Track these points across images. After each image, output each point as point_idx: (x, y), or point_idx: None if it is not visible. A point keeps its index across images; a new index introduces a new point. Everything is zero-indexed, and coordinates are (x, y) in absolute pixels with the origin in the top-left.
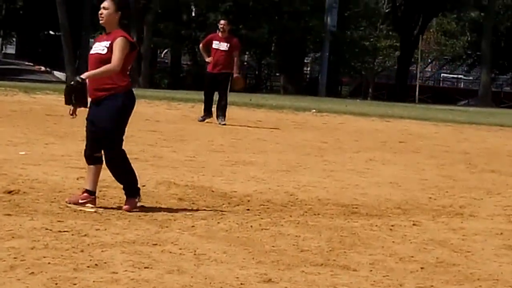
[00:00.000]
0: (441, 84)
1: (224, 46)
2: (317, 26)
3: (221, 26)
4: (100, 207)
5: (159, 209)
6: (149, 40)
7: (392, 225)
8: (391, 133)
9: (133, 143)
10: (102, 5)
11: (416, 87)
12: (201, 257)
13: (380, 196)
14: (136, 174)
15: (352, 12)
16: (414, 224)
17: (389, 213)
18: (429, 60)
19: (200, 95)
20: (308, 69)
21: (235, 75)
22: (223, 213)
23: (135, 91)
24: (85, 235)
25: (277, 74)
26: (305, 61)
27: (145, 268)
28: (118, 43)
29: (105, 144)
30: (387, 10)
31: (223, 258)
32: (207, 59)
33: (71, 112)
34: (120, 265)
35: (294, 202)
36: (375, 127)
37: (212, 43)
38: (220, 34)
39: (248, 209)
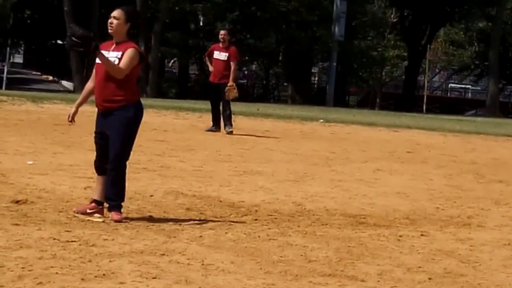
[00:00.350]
0: (448, 94)
1: (223, 56)
2: (325, 35)
3: (221, 36)
4: (108, 217)
5: (167, 219)
6: (156, 49)
7: (400, 236)
8: (398, 143)
9: (140, 153)
10: (112, 14)
11: (424, 97)
12: (209, 267)
13: (387, 206)
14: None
15: (360, 21)
16: (422, 235)
17: (396, 224)
18: (437, 70)
19: (208, 104)
20: (316, 79)
21: (228, 84)
22: (231, 223)
23: (143, 100)
24: (93, 245)
25: (285, 83)
26: (313, 71)
27: (153, 278)
28: (129, 53)
29: (114, 154)
30: (394, 20)
31: (231, 268)
32: (210, 69)
33: (70, 119)
34: (128, 275)
35: (301, 212)
36: (383, 137)
37: (213, 53)
38: (220, 44)
39: (256, 219)
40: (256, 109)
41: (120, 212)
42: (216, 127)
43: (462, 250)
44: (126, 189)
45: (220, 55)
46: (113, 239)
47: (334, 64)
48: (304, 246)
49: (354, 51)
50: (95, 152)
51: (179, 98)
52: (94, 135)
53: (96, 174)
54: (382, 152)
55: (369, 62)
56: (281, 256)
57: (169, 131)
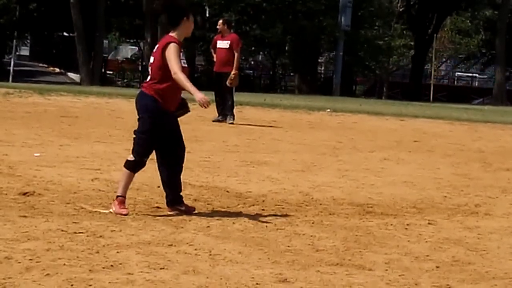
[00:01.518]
0: (455, 83)
1: (225, 44)
2: (331, 25)
3: (218, 26)
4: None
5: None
6: None
7: (407, 224)
8: (405, 132)
9: None
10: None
11: (431, 86)
12: (216, 257)
13: (395, 195)
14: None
15: (366, 11)
16: (429, 223)
17: (404, 212)
18: (444, 59)
19: (213, 95)
20: (322, 68)
21: (232, 72)
22: (238, 213)
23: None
24: (100, 236)
25: (292, 74)
26: (319, 60)
27: (160, 269)
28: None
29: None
30: (401, 9)
31: (239, 258)
32: (214, 59)
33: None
34: (136, 266)
35: (309, 202)
36: (390, 126)
37: (216, 43)
38: (221, 34)
39: (263, 209)
40: (263, 99)
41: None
42: (222, 117)
43: (470, 238)
44: (134, 180)
45: (222, 43)
46: (120, 230)
47: (341, 53)
48: (311, 236)
49: (360, 41)
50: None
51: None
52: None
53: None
54: (389, 141)
55: (376, 52)
56: (288, 246)
57: None
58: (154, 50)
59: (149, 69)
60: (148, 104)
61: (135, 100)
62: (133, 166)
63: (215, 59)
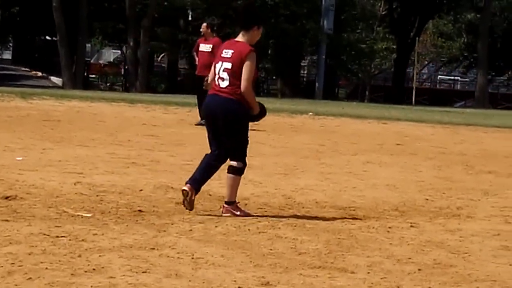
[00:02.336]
0: (437, 86)
1: (207, 47)
2: (314, 29)
3: (202, 29)
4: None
5: (157, 214)
6: (146, 44)
7: (389, 227)
8: (388, 135)
9: (130, 147)
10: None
11: (413, 89)
12: (199, 261)
13: (377, 198)
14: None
15: (349, 14)
16: (411, 226)
17: (386, 215)
18: (426, 62)
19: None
20: (305, 72)
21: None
22: (221, 216)
23: (132, 95)
24: (83, 240)
25: (274, 77)
26: (302, 64)
27: (143, 272)
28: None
29: None
30: (383, 13)
31: (221, 262)
32: (197, 62)
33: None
34: (118, 270)
35: (291, 205)
36: (372, 130)
37: (199, 47)
38: (203, 37)
39: None
40: None
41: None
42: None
43: (452, 241)
44: (116, 183)
45: (204, 47)
46: (102, 234)
47: (323, 57)
48: (294, 239)
49: (343, 44)
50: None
51: (168, 93)
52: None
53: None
54: (371, 145)
55: (358, 55)
56: (271, 249)
57: (158, 125)
58: (227, 55)
59: (219, 73)
60: (237, 109)
61: (212, 104)
62: (242, 170)
63: (197, 63)
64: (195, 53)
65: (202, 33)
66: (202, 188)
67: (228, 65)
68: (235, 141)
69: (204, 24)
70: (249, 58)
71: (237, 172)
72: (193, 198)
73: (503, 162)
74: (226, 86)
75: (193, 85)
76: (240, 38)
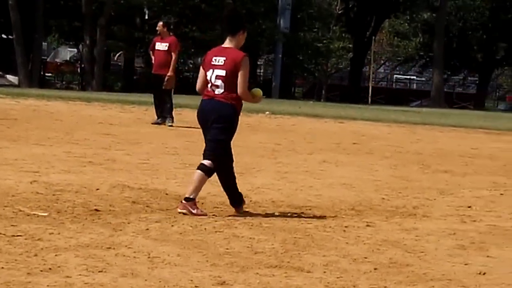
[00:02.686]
0: (394, 85)
1: (163, 46)
2: (270, 28)
3: (158, 28)
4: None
5: (113, 213)
6: (102, 43)
7: (345, 226)
8: (344, 134)
9: (86, 146)
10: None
11: (369, 88)
12: (155, 260)
13: (333, 197)
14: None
15: (305, 13)
16: (367, 225)
17: (342, 214)
18: (382, 62)
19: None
20: (262, 71)
21: (168, 74)
22: (177, 216)
23: (89, 94)
24: (39, 239)
25: None
26: (258, 63)
27: (99, 272)
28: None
29: None
30: (340, 12)
31: (177, 261)
32: (153, 61)
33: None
34: (74, 269)
35: (248, 204)
36: (329, 129)
37: (155, 45)
38: (159, 36)
39: None
40: None
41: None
42: (161, 119)
43: (408, 240)
44: (72, 182)
45: (160, 45)
46: (59, 233)
47: (280, 56)
48: (250, 238)
49: (299, 43)
50: None
51: (124, 92)
52: None
53: None
54: (328, 144)
55: (315, 54)
56: (227, 248)
57: (115, 124)
58: (219, 62)
59: (212, 80)
60: (231, 114)
61: (206, 108)
62: (212, 171)
63: (153, 61)
64: (151, 52)
65: (158, 32)
66: (158, 187)
67: (222, 72)
68: (217, 141)
69: (160, 23)
70: (244, 63)
71: (207, 171)
72: None
73: (458, 161)
74: (222, 93)
75: (150, 84)
76: (227, 44)
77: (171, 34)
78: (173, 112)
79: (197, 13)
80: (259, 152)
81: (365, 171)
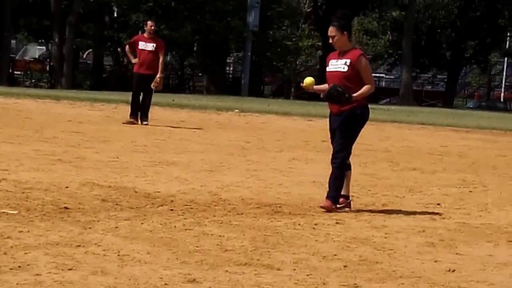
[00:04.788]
0: None
1: (150, 46)
2: (239, 25)
3: (150, 27)
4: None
5: (83, 211)
6: (71, 41)
7: (315, 224)
8: (313, 132)
9: (55, 144)
10: (329, 34)
11: None
12: (125, 258)
13: (303, 195)
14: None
15: (274, 11)
16: (337, 223)
17: (312, 212)
18: None
19: (123, 95)
20: (231, 69)
21: (158, 76)
22: (147, 213)
23: (58, 92)
24: (8, 237)
25: (200, 74)
26: (228, 61)
27: (68, 269)
28: (363, 64)
29: (335, 150)
30: (308, 10)
31: (147, 259)
32: (133, 60)
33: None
34: (44, 267)
35: (217, 202)
36: (298, 127)
37: (138, 44)
38: (146, 35)
39: (171, 210)
40: (172, 100)
41: (333, 202)
42: (135, 118)
43: (377, 237)
44: (42, 180)
45: (147, 46)
46: (28, 231)
47: (249, 54)
48: (220, 236)
49: (268, 41)
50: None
51: (93, 90)
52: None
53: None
54: (297, 142)
55: (284, 52)
56: (197, 246)
57: (84, 122)
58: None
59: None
60: None
61: None
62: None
63: (133, 61)
64: (128, 49)
65: (149, 30)
66: (128, 185)
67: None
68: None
69: (152, 23)
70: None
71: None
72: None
73: (427, 159)
74: None
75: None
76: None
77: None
78: (149, 111)
79: (166, 11)
80: (229, 150)
81: None
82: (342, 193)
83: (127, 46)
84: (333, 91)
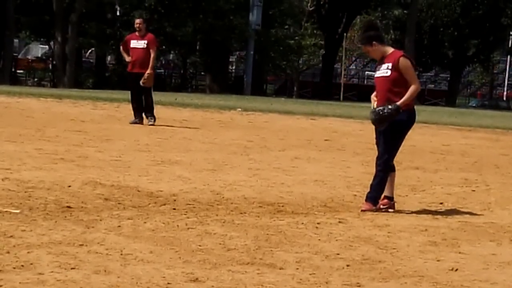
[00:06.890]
0: (365, 82)
1: (141, 44)
2: (242, 24)
3: (137, 25)
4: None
5: (85, 210)
6: (74, 40)
7: (318, 223)
8: (316, 131)
9: (58, 143)
10: (363, 50)
11: (341, 85)
12: (127, 257)
13: (305, 194)
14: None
15: (277, 10)
16: (339, 222)
17: (314, 211)
18: (354, 58)
19: (126, 94)
20: (233, 67)
21: (147, 72)
22: (149, 212)
23: (60, 91)
24: (11, 236)
25: (202, 73)
26: (230, 60)
27: (71, 268)
28: (406, 66)
29: (380, 154)
30: (311, 9)
31: (150, 258)
32: (127, 59)
33: None
34: (47, 266)
35: (220, 201)
36: (300, 125)
37: (130, 43)
38: (137, 33)
39: (174, 209)
40: (174, 99)
41: (372, 204)
42: (139, 119)
43: (380, 236)
44: (44, 179)
45: (138, 43)
46: (31, 230)
47: (251, 52)
48: (222, 235)
49: (271, 40)
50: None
51: (96, 88)
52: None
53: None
54: (299, 140)
55: (286, 51)
56: (200, 245)
57: (86, 121)
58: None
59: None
60: None
61: None
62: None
63: (127, 59)
64: (122, 49)
65: (138, 28)
66: (131, 184)
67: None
68: None
69: (140, 20)
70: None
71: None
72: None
73: (430, 157)
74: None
75: (122, 81)
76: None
77: (147, 29)
78: (154, 111)
79: (169, 9)
80: (232, 149)
81: (337, 168)
82: (386, 194)
83: (121, 46)
84: (376, 117)
